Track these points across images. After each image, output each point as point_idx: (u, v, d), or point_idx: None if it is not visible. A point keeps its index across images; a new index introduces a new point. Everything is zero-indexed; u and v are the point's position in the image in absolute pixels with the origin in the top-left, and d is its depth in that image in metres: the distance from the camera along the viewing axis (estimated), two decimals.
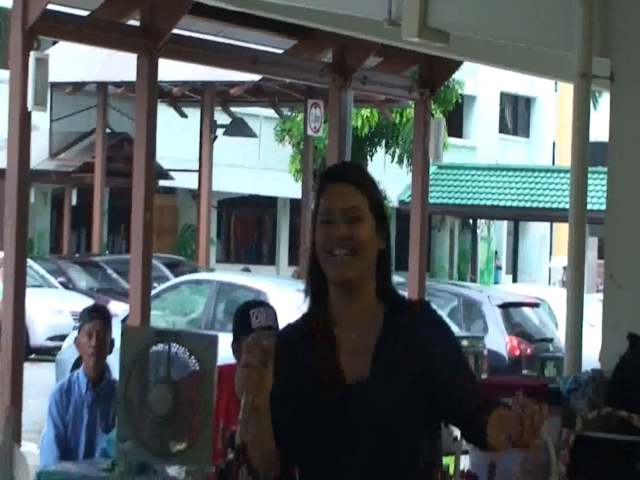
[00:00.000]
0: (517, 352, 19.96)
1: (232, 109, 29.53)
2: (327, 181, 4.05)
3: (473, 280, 36.43)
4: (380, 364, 4.02)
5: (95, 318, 8.30)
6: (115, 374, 7.22)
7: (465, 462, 6.30)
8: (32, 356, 21.08)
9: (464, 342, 18.85)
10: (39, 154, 27.68)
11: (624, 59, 7.12)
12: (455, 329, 19.28)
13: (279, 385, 3.98)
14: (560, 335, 18.19)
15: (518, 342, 20.07)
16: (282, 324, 7.28)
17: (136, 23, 10.44)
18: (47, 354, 21.04)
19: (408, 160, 30.08)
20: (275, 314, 7.07)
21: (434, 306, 4.33)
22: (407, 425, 4.01)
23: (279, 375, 3.96)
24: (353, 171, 4.10)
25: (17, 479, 7.02)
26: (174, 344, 6.65)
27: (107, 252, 31.35)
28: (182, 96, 27.42)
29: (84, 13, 10.34)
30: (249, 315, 6.93)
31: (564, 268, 38.88)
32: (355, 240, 3.97)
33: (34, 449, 8.32)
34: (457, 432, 5.20)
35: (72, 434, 8.05)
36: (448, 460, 5.90)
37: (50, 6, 9.53)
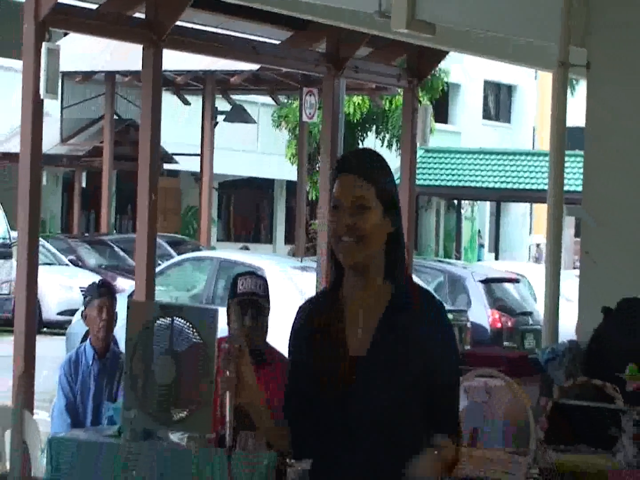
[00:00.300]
0: (499, 325, 20.00)
1: (232, 96, 29.50)
2: (338, 171, 4.07)
3: (457, 258, 36.40)
4: (380, 342, 4.02)
5: (104, 294, 8.31)
6: (121, 346, 7.24)
7: None
8: (44, 330, 21.04)
9: (449, 316, 18.89)
10: (51, 140, 27.62)
11: (599, 49, 7.14)
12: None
13: (300, 355, 4.10)
14: (539, 309, 18.23)
15: (499, 316, 20.11)
16: (275, 296, 7.36)
17: (141, 16, 10.43)
18: (58, 327, 21.02)
19: (397, 145, 30.08)
20: (265, 283, 7.08)
21: (436, 297, 4.31)
22: (407, 425, 3.98)
23: (300, 348, 4.11)
24: (362, 160, 4.10)
25: (29, 445, 7.03)
26: (177, 318, 6.66)
27: (114, 231, 31.33)
28: (185, 85, 27.40)
29: (93, 6, 10.34)
30: (237, 281, 6.98)
31: (537, 245, 38.87)
32: (361, 229, 3.99)
33: (46, 416, 8.33)
34: None
35: (80, 403, 8.08)
36: None
37: (60, 0, 9.54)
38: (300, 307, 4.21)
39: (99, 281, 9.12)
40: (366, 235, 4.00)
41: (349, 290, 4.10)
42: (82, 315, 8.51)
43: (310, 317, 4.12)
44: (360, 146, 32.30)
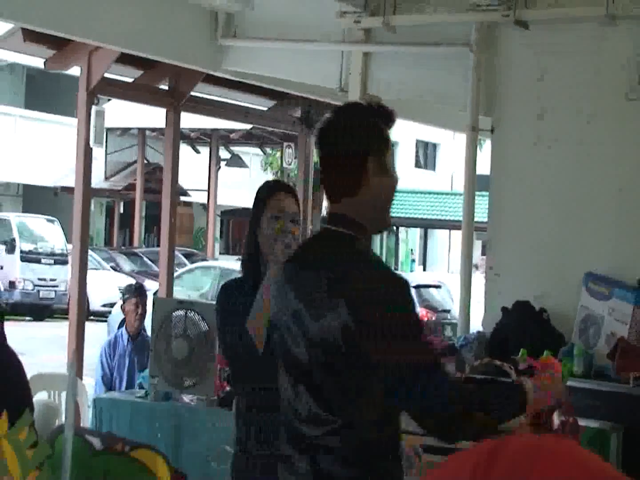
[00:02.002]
0: (425, 319, 20.05)
1: (232, 147, 29.49)
2: (277, 189, 4.09)
3: (396, 269, 36.40)
4: None
5: (139, 294, 8.31)
6: (148, 331, 7.24)
7: None
8: (91, 317, 21.05)
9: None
10: (97, 177, 27.54)
11: (500, 117, 7.15)
12: None
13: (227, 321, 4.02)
14: (455, 308, 18.26)
15: (426, 312, 20.13)
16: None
17: (165, 87, 10.41)
18: (100, 316, 20.93)
19: None
20: None
21: None
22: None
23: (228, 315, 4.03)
24: (286, 185, 4.25)
25: (80, 403, 6.99)
26: (190, 311, 6.64)
27: (143, 245, 31.17)
28: (197, 138, 27.33)
29: (130, 80, 10.30)
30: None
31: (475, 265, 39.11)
32: (294, 235, 4.01)
33: (92, 382, 8.28)
34: None
35: (117, 373, 8.05)
36: None
37: (106, 75, 9.50)
38: (226, 284, 4.20)
39: (135, 283, 9.10)
40: (296, 239, 4.01)
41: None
42: (121, 307, 8.48)
43: (234, 294, 4.07)
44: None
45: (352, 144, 3.13)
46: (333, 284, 2.93)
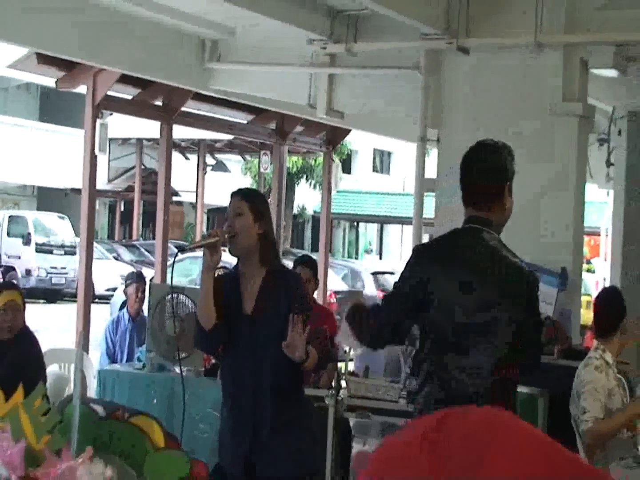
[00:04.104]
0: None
1: (216, 155, 29.40)
2: (231, 196, 4.09)
3: (356, 258, 36.42)
4: (260, 302, 3.96)
5: (139, 281, 8.25)
6: (146, 312, 7.20)
7: (351, 366, 6.30)
8: (96, 300, 20.91)
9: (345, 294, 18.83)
10: (101, 180, 27.37)
11: (445, 130, 7.17)
12: (345, 287, 19.34)
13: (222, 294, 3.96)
14: None
15: (383, 294, 20.13)
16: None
17: (160, 103, 10.34)
18: (104, 299, 20.81)
19: (319, 187, 30.00)
20: None
21: (295, 272, 4.54)
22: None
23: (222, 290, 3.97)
24: (245, 190, 4.18)
25: (86, 374, 6.95)
26: (181, 294, 6.62)
27: (141, 238, 31.02)
28: (187, 147, 27.21)
29: (129, 97, 10.23)
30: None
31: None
32: (235, 227, 3.96)
33: (97, 355, 8.22)
34: (346, 348, 5.22)
35: (119, 349, 8.00)
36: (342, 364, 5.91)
37: (109, 92, 9.43)
38: (225, 273, 4.13)
39: (136, 271, 9.04)
40: (238, 231, 3.94)
41: (242, 271, 4.04)
42: (124, 291, 8.41)
43: (225, 280, 4.04)
44: (295, 189, 32.37)
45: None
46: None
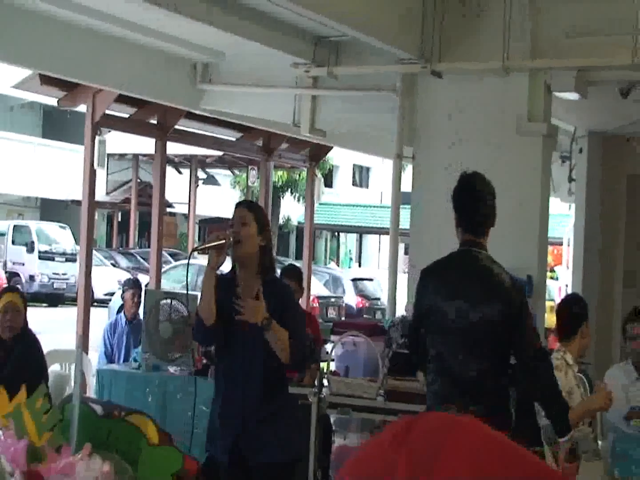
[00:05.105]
0: (361, 305, 20.02)
1: (207, 170, 29.37)
2: (236, 206, 4.08)
3: (337, 265, 36.42)
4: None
5: (136, 286, 8.22)
6: (142, 316, 7.17)
7: (332, 366, 6.29)
8: (94, 304, 20.80)
9: (332, 300, 18.83)
10: (100, 192, 27.24)
11: (420, 147, 7.19)
12: (326, 292, 19.34)
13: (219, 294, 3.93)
14: (384, 297, 18.29)
15: (362, 300, 20.14)
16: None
17: (154, 121, 10.32)
18: (102, 303, 20.71)
19: (303, 200, 30.02)
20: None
21: (286, 283, 4.42)
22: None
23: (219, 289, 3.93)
24: (249, 202, 4.22)
25: (85, 373, 6.91)
26: (174, 299, 6.59)
27: (137, 247, 30.92)
28: (180, 162, 27.17)
29: (126, 115, 10.20)
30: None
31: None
32: (240, 235, 3.95)
33: (96, 356, 8.18)
34: (328, 349, 5.22)
35: (116, 350, 7.96)
36: (324, 365, 5.90)
37: (107, 111, 9.40)
38: (222, 275, 4.08)
39: (133, 277, 9.02)
40: (243, 239, 3.94)
41: (239, 276, 4.03)
42: (121, 296, 8.38)
43: (221, 280, 3.99)
44: (281, 201, 32.39)
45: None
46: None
